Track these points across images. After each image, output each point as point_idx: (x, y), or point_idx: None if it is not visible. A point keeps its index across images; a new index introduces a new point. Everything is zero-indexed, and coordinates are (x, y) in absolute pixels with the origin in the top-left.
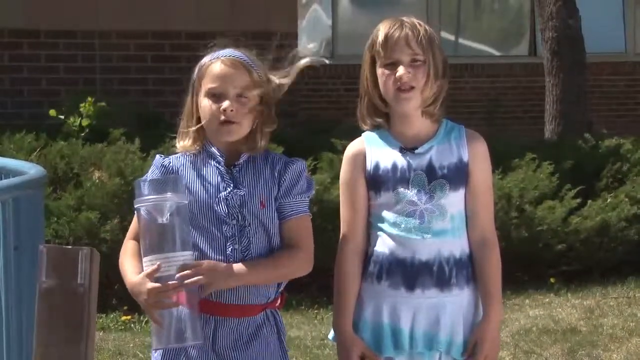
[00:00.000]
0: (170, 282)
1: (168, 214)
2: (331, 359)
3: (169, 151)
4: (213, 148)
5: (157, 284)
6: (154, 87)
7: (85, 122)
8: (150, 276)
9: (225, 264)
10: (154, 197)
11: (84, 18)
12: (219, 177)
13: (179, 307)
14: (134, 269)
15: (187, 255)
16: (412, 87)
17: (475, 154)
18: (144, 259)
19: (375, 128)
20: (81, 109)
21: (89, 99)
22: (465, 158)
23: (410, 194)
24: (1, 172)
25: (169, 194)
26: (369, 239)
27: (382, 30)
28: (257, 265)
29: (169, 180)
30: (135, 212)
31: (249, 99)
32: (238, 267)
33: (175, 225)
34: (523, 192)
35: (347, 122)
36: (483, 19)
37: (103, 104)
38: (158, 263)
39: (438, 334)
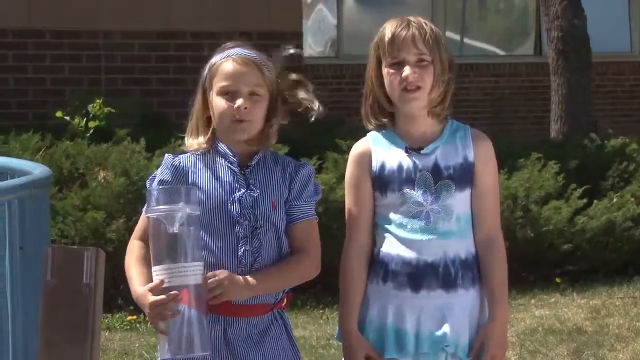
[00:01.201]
0: (171, 293)
1: (179, 224)
2: (336, 359)
3: (175, 151)
4: (225, 148)
5: (158, 297)
6: (158, 87)
7: (92, 124)
8: (154, 290)
9: (240, 277)
10: (166, 207)
11: (88, 18)
12: (232, 178)
13: (184, 317)
14: (139, 277)
15: (197, 266)
16: (419, 88)
17: (481, 154)
18: (154, 269)
19: (379, 127)
20: (93, 108)
21: (98, 100)
22: (471, 158)
23: (416, 194)
24: (7, 172)
25: (181, 204)
26: (375, 239)
27: (388, 29)
28: (268, 275)
29: (181, 189)
30: (148, 220)
31: (261, 96)
32: (251, 279)
33: (186, 236)
34: (528, 191)
35: (351, 122)
36: (488, 18)
37: (112, 110)
38: (161, 278)
39: (444, 335)
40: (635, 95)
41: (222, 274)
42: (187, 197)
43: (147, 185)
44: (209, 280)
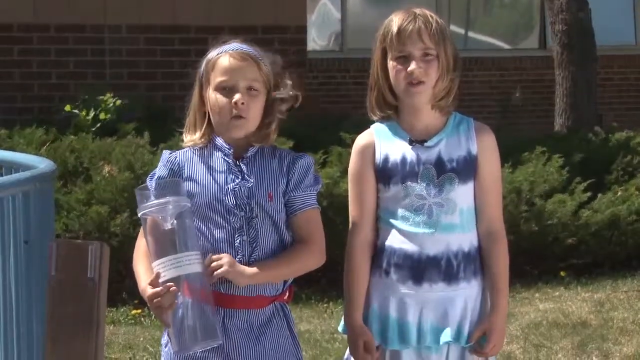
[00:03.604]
0: (166, 285)
1: (172, 219)
2: (341, 353)
3: (178, 145)
4: (221, 141)
5: (154, 290)
6: (163, 81)
7: (103, 116)
8: (153, 283)
9: (243, 266)
10: (155, 202)
11: (93, 12)
12: (227, 169)
13: (185, 309)
14: (145, 274)
15: (192, 255)
16: (423, 82)
17: (484, 147)
18: (153, 264)
19: (384, 119)
20: (105, 100)
21: (108, 94)
22: (474, 151)
23: (419, 187)
24: (11, 166)
25: (170, 199)
26: (378, 232)
27: (394, 22)
28: (271, 265)
29: (168, 184)
30: (140, 219)
31: (258, 91)
32: (253, 267)
33: (179, 229)
34: (533, 185)
35: (356, 116)
36: (493, 12)
37: (125, 101)
38: (157, 271)
39: (447, 329)
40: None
41: (225, 256)
42: (175, 190)
43: (147, 182)
44: (213, 257)
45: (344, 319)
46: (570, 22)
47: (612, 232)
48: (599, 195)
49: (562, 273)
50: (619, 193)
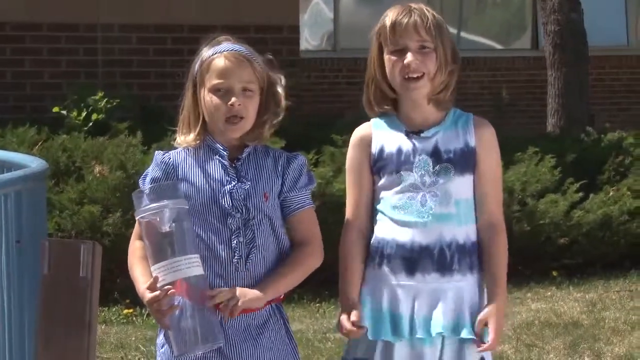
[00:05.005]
0: (164, 288)
1: (170, 222)
2: (333, 352)
3: (170, 145)
4: (215, 142)
5: (154, 293)
6: (156, 81)
7: (95, 116)
8: (151, 287)
9: (253, 290)
10: (154, 205)
11: (85, 11)
12: (223, 171)
13: (184, 312)
14: (143, 277)
15: (192, 258)
16: (419, 77)
17: (483, 140)
18: (152, 268)
19: (382, 115)
20: (96, 99)
21: (100, 93)
22: (472, 143)
23: (413, 177)
24: (3, 165)
25: (167, 202)
26: (373, 226)
27: (390, 16)
28: (278, 279)
29: (166, 187)
30: (139, 222)
31: (253, 92)
32: (264, 286)
33: (178, 231)
34: (525, 185)
35: (349, 116)
36: (485, 12)
37: (115, 101)
38: (155, 275)
39: (439, 319)
40: (632, 89)
41: (230, 291)
42: (172, 192)
43: (140, 184)
44: (220, 296)
45: (340, 301)
46: (563, 23)
47: (604, 232)
48: (591, 195)
49: (554, 273)
50: (611, 193)
